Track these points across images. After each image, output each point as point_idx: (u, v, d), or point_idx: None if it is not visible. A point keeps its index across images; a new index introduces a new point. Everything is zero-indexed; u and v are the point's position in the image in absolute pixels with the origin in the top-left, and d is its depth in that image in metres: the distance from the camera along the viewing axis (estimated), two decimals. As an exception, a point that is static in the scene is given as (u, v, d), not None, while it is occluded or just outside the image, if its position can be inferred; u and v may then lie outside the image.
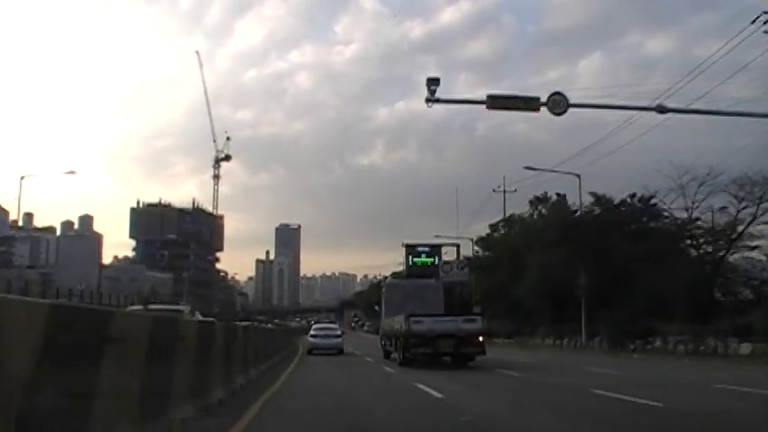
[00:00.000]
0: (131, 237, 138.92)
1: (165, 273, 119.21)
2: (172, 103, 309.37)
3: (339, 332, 31.74)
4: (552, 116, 20.91)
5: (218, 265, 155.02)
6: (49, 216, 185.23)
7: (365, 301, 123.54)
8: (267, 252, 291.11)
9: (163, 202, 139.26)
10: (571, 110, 20.96)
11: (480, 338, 19.37)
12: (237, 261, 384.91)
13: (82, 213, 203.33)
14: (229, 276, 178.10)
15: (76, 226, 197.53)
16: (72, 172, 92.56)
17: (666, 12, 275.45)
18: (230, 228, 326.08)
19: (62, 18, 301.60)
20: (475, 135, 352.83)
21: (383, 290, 27.15)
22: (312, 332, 31.40)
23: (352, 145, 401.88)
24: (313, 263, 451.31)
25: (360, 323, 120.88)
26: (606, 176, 43.24)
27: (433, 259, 47.50)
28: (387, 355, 23.63)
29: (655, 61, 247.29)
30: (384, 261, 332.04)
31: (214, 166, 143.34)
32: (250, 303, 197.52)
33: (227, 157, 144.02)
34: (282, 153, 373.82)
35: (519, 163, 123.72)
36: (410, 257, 47.49)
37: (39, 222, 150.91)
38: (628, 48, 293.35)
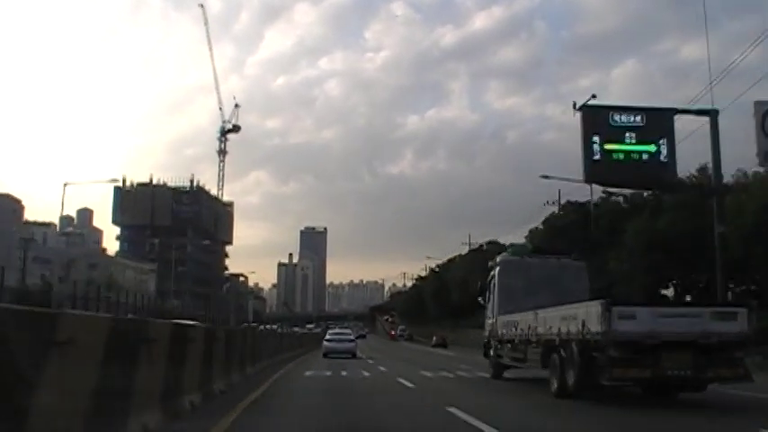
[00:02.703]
0: (114, 222, 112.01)
1: (147, 263, 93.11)
2: (200, 110, 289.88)
3: (352, 337, 33.91)
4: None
5: (235, 268, 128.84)
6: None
7: (407, 302, 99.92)
8: (290, 255, 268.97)
9: (154, 180, 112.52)
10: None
11: (739, 352, 9.68)
12: (265, 271, 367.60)
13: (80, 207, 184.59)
14: (250, 282, 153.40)
15: (75, 221, 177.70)
16: (115, 180, 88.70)
17: (702, 16, 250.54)
18: (258, 237, 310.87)
19: (89, 24, 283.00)
20: (506, 143, 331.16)
21: (496, 270, 16.18)
22: (327, 336, 32.90)
23: (381, 153, 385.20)
24: (340, 272, 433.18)
25: (390, 321, 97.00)
26: None
27: (655, 146, 19.50)
28: (498, 372, 15.59)
29: (690, 67, 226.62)
30: (414, 270, 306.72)
31: (219, 139, 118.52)
32: (272, 309, 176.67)
33: (236, 128, 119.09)
34: (311, 162, 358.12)
35: (551, 170, 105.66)
36: (595, 142, 19.77)
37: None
38: (662, 54, 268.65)
